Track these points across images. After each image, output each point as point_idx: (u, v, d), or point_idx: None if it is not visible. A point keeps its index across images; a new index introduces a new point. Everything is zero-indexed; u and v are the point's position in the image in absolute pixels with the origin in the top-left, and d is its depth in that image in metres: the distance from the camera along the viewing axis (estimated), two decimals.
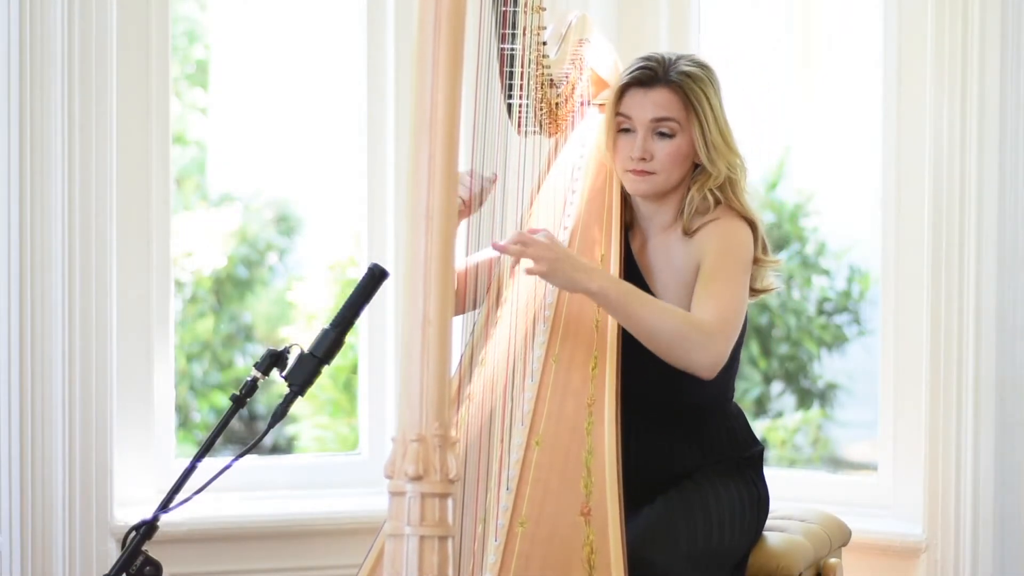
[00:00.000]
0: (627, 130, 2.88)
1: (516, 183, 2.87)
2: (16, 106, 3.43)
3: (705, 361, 2.76)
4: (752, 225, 2.90)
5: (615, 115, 2.89)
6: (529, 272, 2.72)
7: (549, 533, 2.58)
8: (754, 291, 2.94)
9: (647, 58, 2.90)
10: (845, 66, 6.21)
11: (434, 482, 1.96)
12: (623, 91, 2.89)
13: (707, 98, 2.86)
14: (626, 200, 2.96)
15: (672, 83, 2.85)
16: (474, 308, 2.92)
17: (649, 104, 2.86)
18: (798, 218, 6.24)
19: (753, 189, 2.98)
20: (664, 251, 2.92)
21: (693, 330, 2.74)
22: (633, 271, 2.92)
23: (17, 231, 3.44)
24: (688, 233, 2.89)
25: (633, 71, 2.88)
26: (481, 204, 2.87)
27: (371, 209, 3.91)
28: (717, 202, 2.89)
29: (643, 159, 2.86)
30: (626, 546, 2.57)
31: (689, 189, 2.91)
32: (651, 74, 2.86)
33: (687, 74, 2.86)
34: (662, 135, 2.86)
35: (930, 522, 3.52)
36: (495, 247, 2.76)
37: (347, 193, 4.36)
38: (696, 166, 2.91)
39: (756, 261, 2.90)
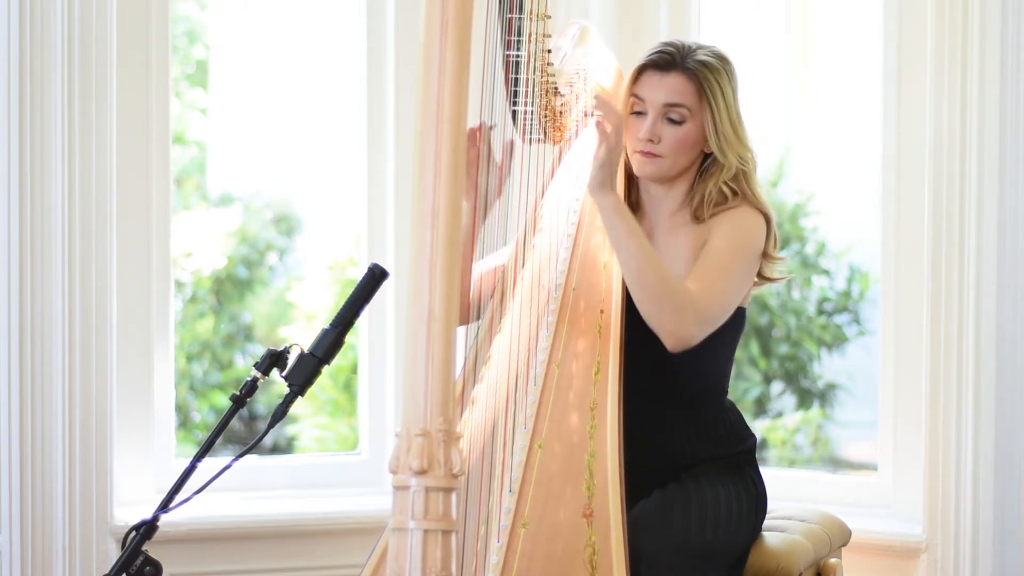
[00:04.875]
0: (640, 112, 2.90)
1: (520, 190, 2.87)
2: (16, 106, 3.43)
3: (674, 328, 2.76)
4: (767, 218, 2.93)
5: (630, 96, 2.91)
6: (601, 142, 2.75)
7: (551, 534, 2.59)
8: (767, 279, 2.96)
9: (667, 43, 2.92)
10: (845, 66, 6.22)
11: (438, 476, 1.97)
12: (639, 72, 2.91)
13: (721, 89, 2.88)
14: (635, 184, 2.98)
15: (688, 70, 2.88)
16: (478, 319, 2.94)
17: (663, 88, 2.88)
18: (798, 218, 6.25)
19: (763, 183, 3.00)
20: (673, 235, 2.94)
21: (676, 292, 2.76)
22: None
23: (17, 231, 3.44)
24: (700, 219, 2.91)
25: (652, 54, 2.91)
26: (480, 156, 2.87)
27: (371, 209, 3.91)
28: (734, 193, 2.91)
29: (650, 141, 2.88)
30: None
31: (697, 176, 2.93)
32: (668, 59, 2.89)
33: (704, 63, 2.88)
34: (672, 121, 2.88)
35: (930, 522, 3.52)
36: (597, 97, 2.78)
37: (347, 193, 4.35)
38: (706, 156, 2.92)
39: (765, 256, 2.92)
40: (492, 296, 2.92)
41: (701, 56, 2.89)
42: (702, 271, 2.82)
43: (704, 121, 2.88)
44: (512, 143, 2.86)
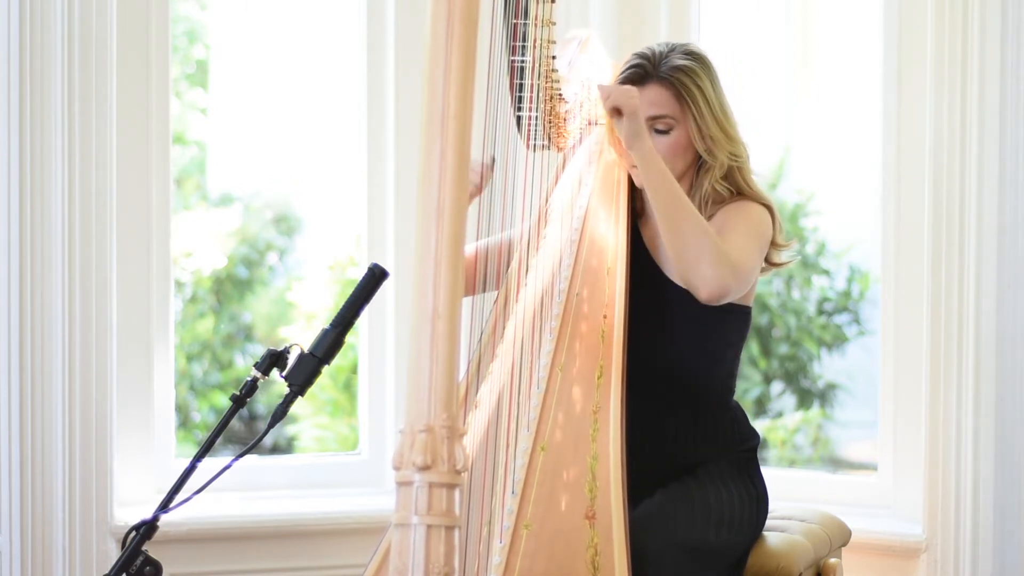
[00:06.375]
0: None
1: (525, 197, 2.88)
2: (16, 106, 3.43)
3: (711, 276, 2.75)
4: (769, 209, 2.94)
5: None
6: (614, 113, 2.77)
7: (553, 535, 2.59)
8: (774, 264, 2.98)
9: (639, 55, 2.92)
10: (845, 65, 6.22)
11: (442, 472, 1.96)
12: None
13: (700, 91, 2.88)
14: (638, 190, 2.98)
15: (663, 79, 2.88)
16: (484, 291, 2.94)
17: (643, 102, 2.87)
18: (798, 218, 6.25)
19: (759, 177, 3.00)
20: None
21: (714, 243, 2.76)
22: (646, 259, 2.94)
23: (17, 231, 3.44)
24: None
25: (626, 71, 2.91)
26: (481, 191, 2.88)
27: (371, 209, 3.91)
28: (730, 192, 2.91)
29: None
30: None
31: (696, 175, 2.93)
32: (642, 72, 2.89)
33: (678, 68, 2.88)
34: (659, 131, 2.88)
35: (930, 522, 3.52)
36: (600, 88, 2.80)
37: (347, 193, 4.36)
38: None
39: (773, 244, 2.94)
40: (497, 285, 2.93)
41: (675, 61, 2.88)
42: (727, 235, 2.83)
43: (688, 126, 2.89)
44: (493, 161, 2.87)
